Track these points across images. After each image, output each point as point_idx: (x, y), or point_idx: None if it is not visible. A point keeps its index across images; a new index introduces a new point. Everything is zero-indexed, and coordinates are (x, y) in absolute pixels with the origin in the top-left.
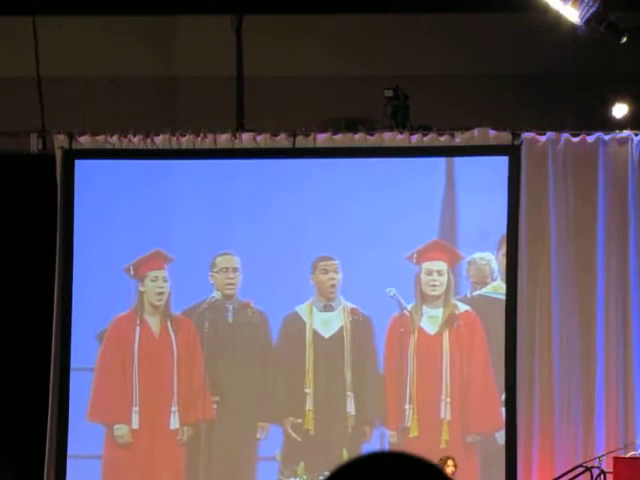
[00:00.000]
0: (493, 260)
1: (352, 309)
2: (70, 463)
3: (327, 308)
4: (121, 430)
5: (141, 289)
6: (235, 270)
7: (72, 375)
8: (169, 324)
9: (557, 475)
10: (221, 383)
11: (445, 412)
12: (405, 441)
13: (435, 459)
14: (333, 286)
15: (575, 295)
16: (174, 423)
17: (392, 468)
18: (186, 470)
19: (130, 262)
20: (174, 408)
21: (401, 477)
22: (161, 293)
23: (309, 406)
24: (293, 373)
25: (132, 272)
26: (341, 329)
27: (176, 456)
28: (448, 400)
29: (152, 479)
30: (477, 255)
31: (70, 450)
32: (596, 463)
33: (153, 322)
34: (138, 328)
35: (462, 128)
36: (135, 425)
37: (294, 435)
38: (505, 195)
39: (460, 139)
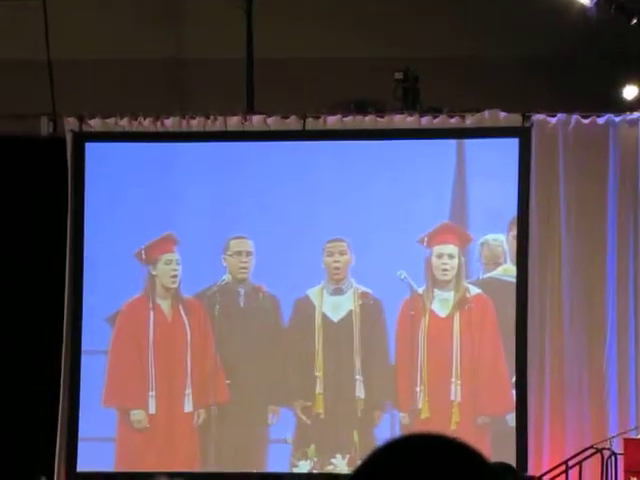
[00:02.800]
0: (505, 242)
1: (362, 292)
2: (82, 446)
3: (337, 292)
4: (138, 415)
5: (153, 272)
6: (249, 254)
7: (83, 358)
8: (181, 307)
9: (568, 457)
10: (233, 366)
11: (455, 394)
12: (416, 422)
13: None
14: (337, 269)
15: (586, 276)
16: (188, 406)
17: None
18: (200, 453)
19: (141, 245)
20: (188, 391)
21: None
22: (175, 276)
23: (319, 389)
24: (303, 357)
25: (143, 256)
26: (350, 313)
27: (191, 439)
28: (459, 382)
29: (167, 462)
30: (490, 236)
31: (82, 433)
32: (607, 445)
33: (165, 306)
34: (152, 312)
35: (473, 110)
36: (152, 410)
37: (304, 418)
38: (516, 177)
39: (471, 121)
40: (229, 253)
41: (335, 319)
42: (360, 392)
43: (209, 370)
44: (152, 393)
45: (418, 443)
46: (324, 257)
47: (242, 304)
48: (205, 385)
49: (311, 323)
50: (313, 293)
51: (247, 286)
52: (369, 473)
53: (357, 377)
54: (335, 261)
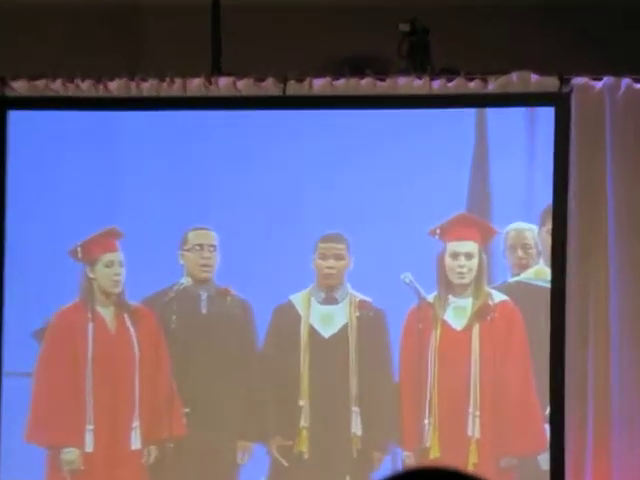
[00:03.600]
0: (537, 237)
1: (360, 301)
2: None
3: (329, 300)
4: (71, 454)
5: (90, 275)
6: (212, 248)
7: (3, 382)
8: (126, 317)
9: None
10: (193, 392)
11: (474, 429)
12: (424, 464)
13: None
14: (330, 275)
15: (639, 281)
16: (136, 443)
17: None
18: None
19: (77, 242)
20: (135, 424)
21: None
22: (117, 281)
23: (304, 423)
24: (284, 381)
25: (80, 255)
26: (345, 327)
27: None
28: (477, 413)
29: None
30: (519, 226)
31: (3, 477)
32: None
33: (107, 315)
34: (91, 323)
35: (497, 72)
36: (89, 448)
37: (283, 459)
38: (551, 155)
39: (494, 85)
40: (187, 248)
41: (326, 334)
42: (356, 427)
43: (163, 396)
44: (90, 427)
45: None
46: (315, 259)
47: (204, 311)
48: (157, 416)
49: (295, 338)
50: (298, 300)
51: (211, 288)
52: None
53: (353, 408)
54: (328, 267)
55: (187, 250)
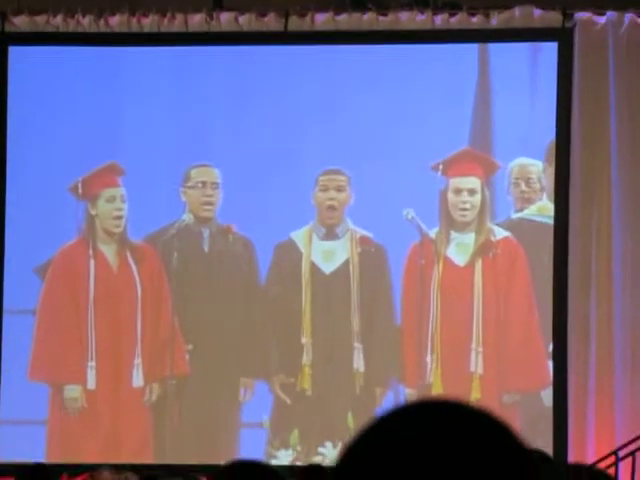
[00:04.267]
0: (541, 172)
1: (361, 237)
2: (4, 430)
3: (330, 236)
4: (73, 392)
5: (92, 212)
6: (214, 186)
7: (5, 319)
8: (129, 255)
9: (618, 445)
10: (194, 329)
11: (476, 364)
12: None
13: None
14: (331, 208)
15: None
16: (138, 380)
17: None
18: (153, 439)
19: (77, 177)
20: (137, 361)
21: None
22: (119, 217)
23: (306, 360)
24: (286, 318)
25: (80, 190)
26: (346, 262)
27: (142, 422)
28: (480, 349)
29: (112, 451)
30: (523, 161)
31: (5, 414)
32: None
33: (109, 252)
34: (92, 260)
35: (499, 6)
36: (91, 385)
37: (285, 396)
38: (554, 91)
39: (497, 20)
40: (189, 185)
41: (327, 270)
42: (359, 363)
43: (164, 334)
44: (91, 364)
45: (429, 413)
46: (316, 192)
47: (206, 249)
48: (159, 353)
49: (296, 275)
50: (299, 236)
51: (213, 226)
52: (361, 456)
53: (355, 345)
54: (330, 199)
55: (189, 187)
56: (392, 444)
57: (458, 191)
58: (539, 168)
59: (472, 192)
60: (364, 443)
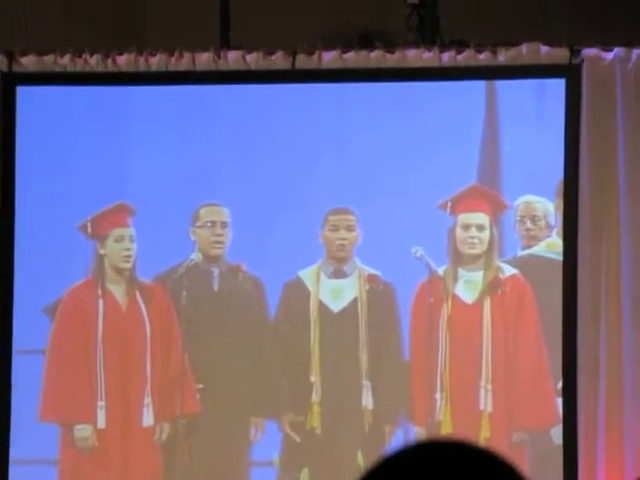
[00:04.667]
0: (549, 208)
1: (369, 275)
2: (15, 471)
3: (338, 274)
4: (84, 431)
5: (101, 251)
6: (224, 225)
7: (15, 359)
8: (138, 294)
9: None
10: (205, 368)
11: (485, 402)
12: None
13: None
14: (342, 247)
15: None
16: (148, 419)
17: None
18: (164, 478)
19: (86, 217)
20: (147, 400)
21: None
22: (128, 257)
23: (315, 398)
24: (295, 356)
25: (89, 230)
26: (355, 301)
27: (152, 460)
28: (489, 387)
29: None
30: (530, 198)
31: (16, 454)
32: None
33: (118, 292)
34: (101, 300)
35: (507, 44)
36: (101, 424)
37: (295, 435)
38: (562, 128)
39: (504, 57)
40: (199, 224)
41: (336, 309)
42: (367, 401)
43: (174, 373)
44: (101, 403)
45: (436, 453)
46: (325, 231)
47: (216, 288)
48: (170, 392)
49: (305, 313)
50: (307, 275)
51: (222, 265)
52: None
53: (364, 382)
54: (340, 238)
55: (199, 227)
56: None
57: (467, 226)
58: (545, 205)
59: (480, 228)
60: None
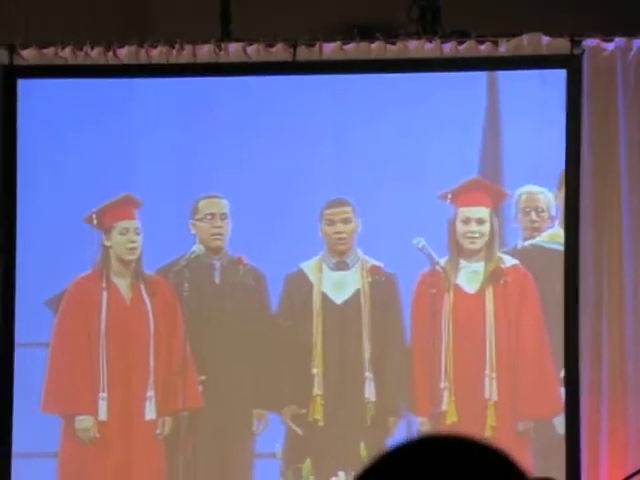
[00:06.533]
0: (551, 198)
1: (372, 267)
2: (17, 463)
3: (340, 266)
4: (85, 422)
5: (107, 243)
6: (223, 217)
7: (17, 352)
8: (142, 287)
9: (631, 471)
10: (207, 361)
11: (490, 391)
12: (440, 429)
13: None
14: (341, 240)
15: None
16: (150, 413)
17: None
18: (167, 471)
19: (90, 209)
20: (150, 393)
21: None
22: (133, 249)
23: (317, 390)
24: (297, 348)
25: (95, 222)
26: (357, 292)
27: (154, 454)
28: (494, 376)
29: None
30: (532, 188)
31: (17, 447)
32: None
33: (123, 285)
34: (105, 292)
35: (508, 34)
36: (103, 416)
37: (297, 427)
38: (563, 118)
39: (505, 48)
40: (198, 217)
41: (338, 300)
42: (370, 393)
43: (177, 366)
44: (103, 395)
45: (436, 449)
46: (322, 226)
47: (218, 280)
48: (172, 385)
49: (307, 305)
50: (309, 267)
51: (223, 258)
52: None
53: (366, 374)
54: (337, 232)
55: (198, 219)
56: (401, 478)
57: (467, 220)
58: (547, 196)
59: (480, 222)
60: (373, 475)
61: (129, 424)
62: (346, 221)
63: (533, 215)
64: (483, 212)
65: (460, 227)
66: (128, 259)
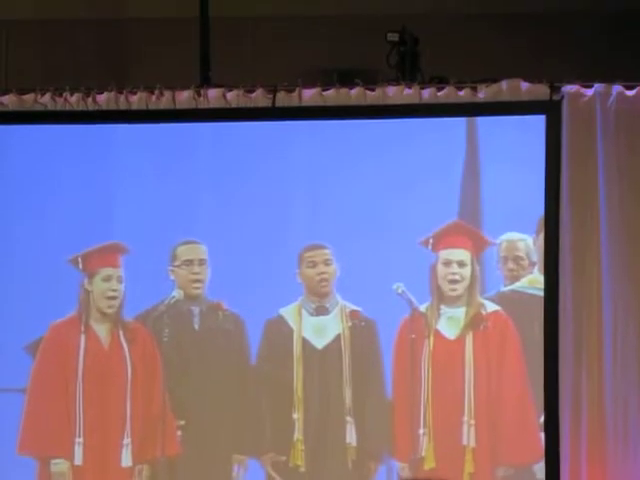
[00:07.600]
0: (530, 245)
1: (352, 311)
2: None
3: (320, 311)
4: (60, 466)
5: (88, 287)
6: (202, 262)
7: None
8: (121, 333)
9: None
10: (186, 407)
11: (469, 437)
12: (419, 475)
13: None
14: (324, 281)
15: (633, 289)
16: (126, 460)
17: None
18: None
19: (74, 253)
20: (127, 440)
21: None
22: (113, 297)
23: (298, 435)
24: (278, 394)
25: (80, 265)
26: (338, 337)
27: None
28: (472, 422)
29: None
30: (512, 236)
31: None
32: None
33: (101, 330)
34: (83, 337)
35: (487, 80)
36: (78, 461)
37: (277, 475)
38: (542, 164)
39: (484, 94)
40: (177, 263)
41: (319, 345)
42: (351, 438)
43: (155, 413)
44: (79, 440)
45: None
46: (303, 269)
47: (197, 326)
48: (150, 432)
49: (288, 351)
50: (288, 313)
51: (202, 304)
52: None
53: (347, 418)
54: (320, 273)
55: (177, 266)
56: None
57: (448, 263)
58: (527, 243)
59: (462, 264)
60: None
61: (105, 470)
62: (327, 263)
63: (511, 264)
64: (464, 255)
65: (441, 269)
66: (106, 310)
